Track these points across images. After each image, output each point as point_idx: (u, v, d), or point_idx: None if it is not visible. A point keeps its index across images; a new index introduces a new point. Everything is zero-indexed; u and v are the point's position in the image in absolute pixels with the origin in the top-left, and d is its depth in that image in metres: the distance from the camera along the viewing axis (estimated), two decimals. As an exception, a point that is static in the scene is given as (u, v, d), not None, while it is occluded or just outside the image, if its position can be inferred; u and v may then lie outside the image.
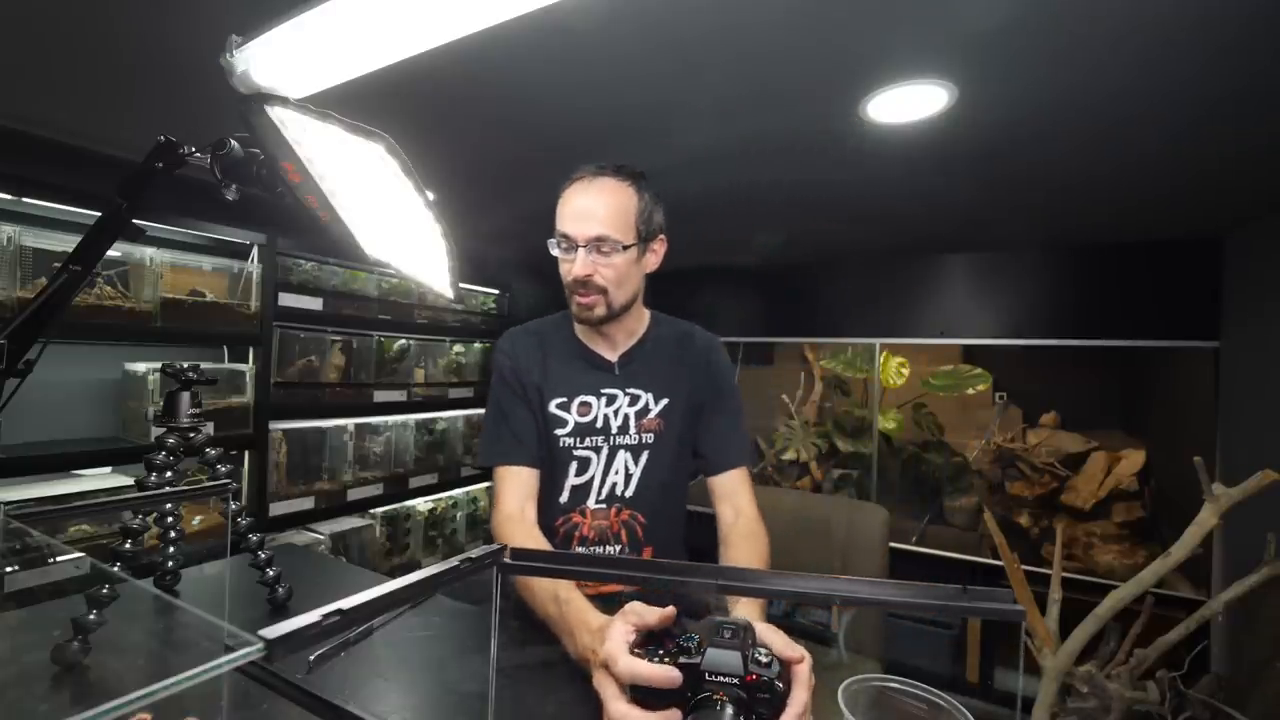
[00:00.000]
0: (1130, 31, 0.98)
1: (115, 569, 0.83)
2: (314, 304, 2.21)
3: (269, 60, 0.67)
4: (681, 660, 0.58)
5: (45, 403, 1.73)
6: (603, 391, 1.09)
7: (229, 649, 0.36)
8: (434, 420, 2.80)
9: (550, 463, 1.07)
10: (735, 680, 0.56)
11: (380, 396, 2.46)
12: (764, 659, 0.58)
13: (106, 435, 1.86)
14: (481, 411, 3.00)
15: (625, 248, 1.01)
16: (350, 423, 2.39)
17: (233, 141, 0.77)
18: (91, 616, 0.76)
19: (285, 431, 2.17)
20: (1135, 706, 1.25)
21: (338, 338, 2.33)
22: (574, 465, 1.06)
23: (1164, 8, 0.92)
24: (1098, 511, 2.42)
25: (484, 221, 2.39)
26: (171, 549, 0.99)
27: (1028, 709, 1.26)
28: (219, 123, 0.82)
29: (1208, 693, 1.32)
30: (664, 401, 1.09)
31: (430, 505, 2.79)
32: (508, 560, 0.56)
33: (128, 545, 0.86)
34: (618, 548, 1.06)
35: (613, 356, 1.12)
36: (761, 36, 1.05)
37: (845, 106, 1.28)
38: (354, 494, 2.37)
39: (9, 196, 1.56)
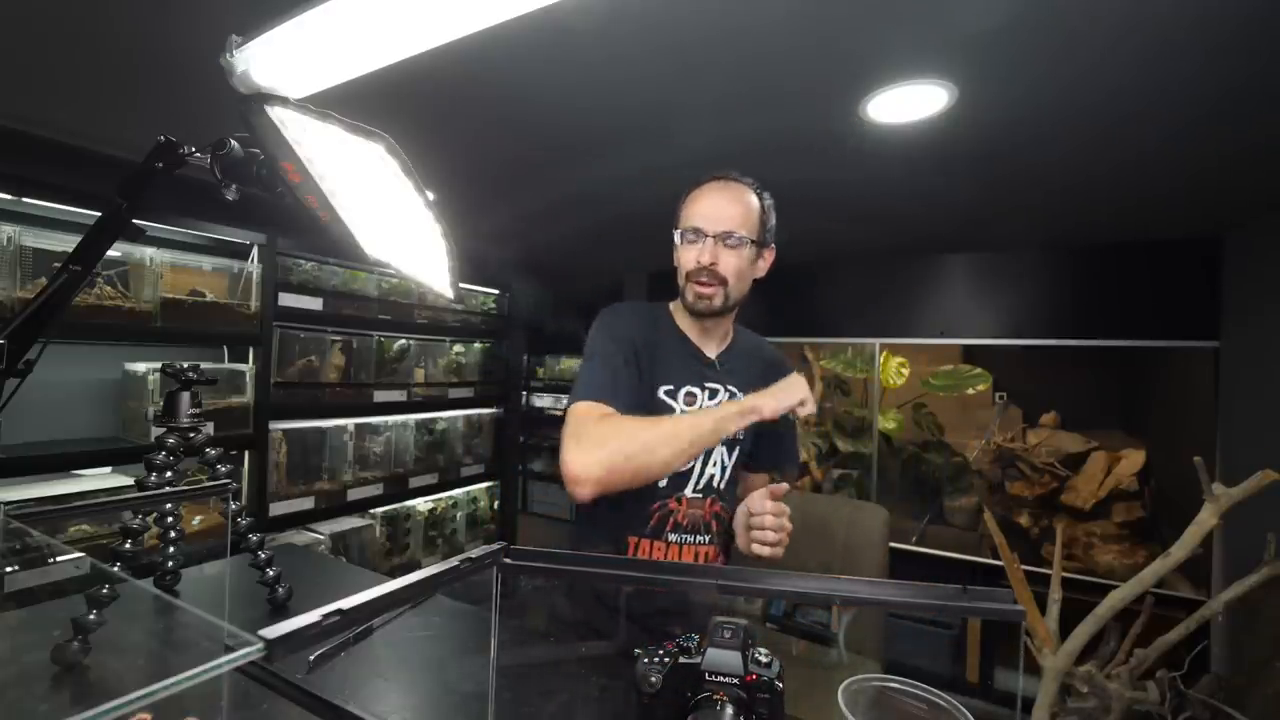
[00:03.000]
0: (1129, 31, 0.98)
1: (115, 569, 0.83)
2: (314, 304, 2.21)
3: (269, 60, 0.67)
4: (681, 660, 0.58)
5: (45, 403, 1.73)
6: (707, 385, 1.12)
7: (229, 649, 0.36)
8: (434, 420, 2.80)
9: None
10: (735, 680, 0.56)
11: (380, 396, 2.46)
12: (764, 659, 0.58)
13: (106, 435, 1.86)
14: (481, 411, 3.02)
15: (750, 243, 1.07)
16: (350, 423, 2.39)
17: (233, 141, 0.77)
18: (91, 616, 0.76)
19: (285, 431, 2.17)
20: (1135, 706, 1.25)
21: (338, 338, 2.33)
22: None
23: (1163, 7, 0.92)
24: (1098, 511, 2.42)
25: (484, 221, 2.39)
26: (171, 549, 0.99)
27: (1028, 709, 1.26)
28: (219, 123, 0.82)
29: (1208, 693, 1.32)
30: None
31: (430, 505, 2.79)
32: (508, 560, 0.56)
33: (128, 545, 0.86)
34: (707, 536, 1.11)
35: (712, 354, 1.16)
36: (761, 37, 1.05)
37: (845, 106, 1.28)
38: (354, 494, 2.37)
39: (9, 196, 1.56)
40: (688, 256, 1.08)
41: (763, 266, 1.14)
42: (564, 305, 4.71)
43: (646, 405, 1.08)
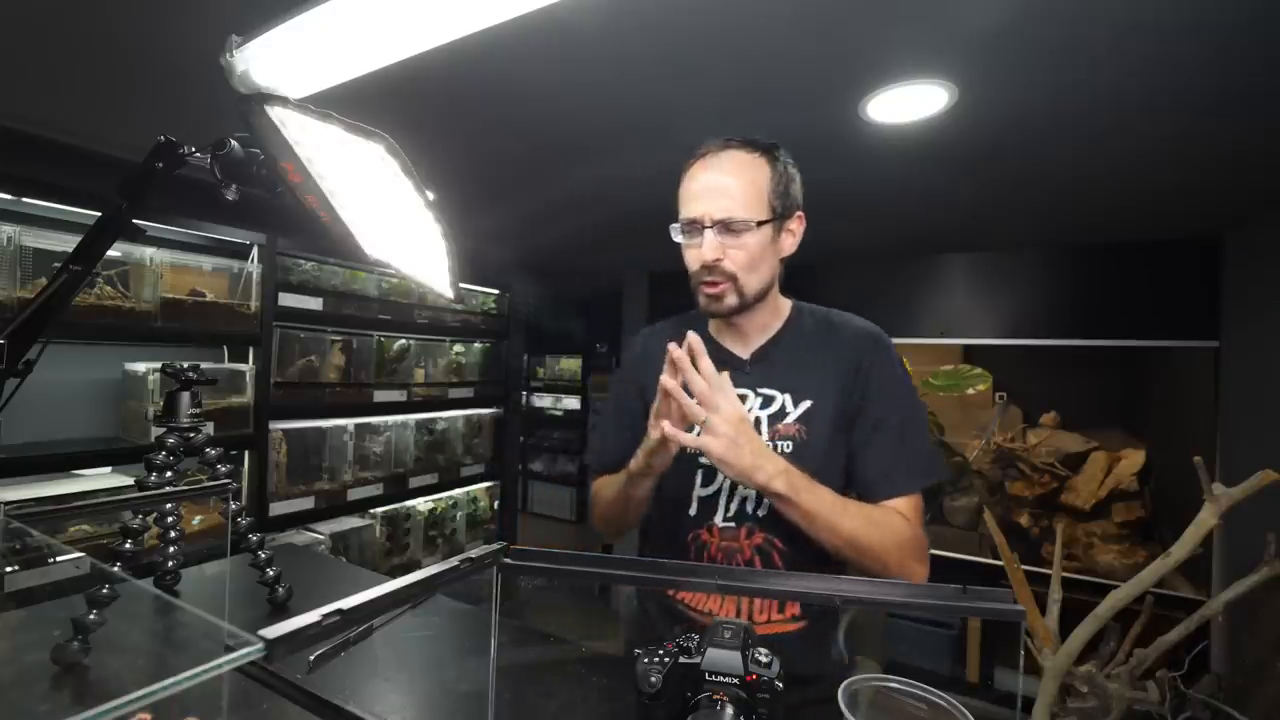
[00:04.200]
0: (1129, 30, 0.98)
1: (115, 569, 0.83)
2: (314, 304, 2.21)
3: (269, 60, 0.67)
4: (681, 660, 0.58)
5: (45, 403, 1.73)
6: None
7: (229, 649, 0.36)
8: (434, 420, 2.80)
9: (675, 470, 0.94)
10: (735, 680, 0.56)
11: (380, 396, 2.47)
12: (764, 659, 0.58)
13: (106, 435, 1.86)
14: (481, 411, 3.02)
15: (758, 225, 0.89)
16: (350, 423, 2.39)
17: (233, 141, 0.77)
18: (91, 616, 0.76)
19: (285, 431, 2.17)
20: (1135, 706, 1.25)
21: (338, 338, 2.33)
22: (700, 474, 0.96)
23: (1162, 7, 0.92)
24: (1098, 511, 2.42)
25: (484, 221, 2.39)
26: (171, 549, 0.99)
27: (1028, 709, 1.26)
28: (219, 123, 0.82)
29: (1208, 693, 1.32)
30: (805, 404, 0.93)
31: (430, 505, 2.79)
32: (508, 560, 0.56)
33: (128, 545, 0.86)
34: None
35: (745, 353, 0.99)
36: (761, 37, 1.05)
37: (845, 106, 1.28)
38: (354, 494, 2.37)
39: (9, 196, 1.56)
40: (689, 255, 0.93)
41: (789, 243, 0.96)
42: (564, 305, 4.71)
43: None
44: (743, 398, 0.94)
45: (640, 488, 0.92)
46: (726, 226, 0.89)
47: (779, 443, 0.92)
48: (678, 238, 0.95)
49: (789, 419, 0.93)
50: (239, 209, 0.96)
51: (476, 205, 2.17)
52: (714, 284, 0.91)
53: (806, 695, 0.68)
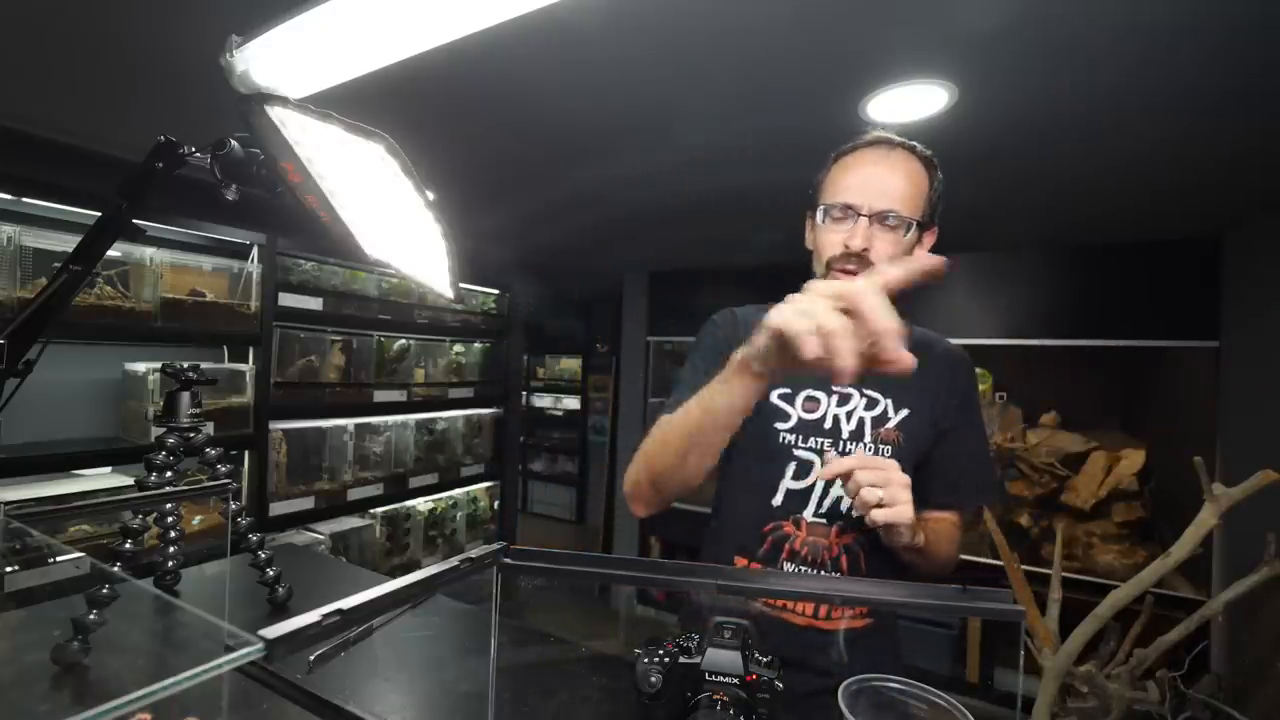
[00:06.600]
0: (1128, 31, 0.98)
1: (115, 569, 0.83)
2: (314, 304, 2.21)
3: (269, 60, 0.67)
4: (681, 660, 0.58)
5: (45, 403, 1.73)
6: (835, 389, 0.94)
7: (229, 649, 0.36)
8: (434, 420, 2.80)
9: (762, 457, 0.94)
10: (735, 680, 0.56)
11: (380, 396, 2.47)
12: (764, 659, 0.58)
13: (106, 435, 1.87)
14: (481, 411, 3.02)
15: (911, 226, 0.87)
16: (350, 423, 2.39)
17: (233, 141, 0.77)
18: (91, 616, 0.76)
19: (285, 431, 2.17)
20: (1135, 706, 1.25)
21: (338, 338, 2.33)
22: (793, 466, 0.93)
23: (1161, 9, 0.92)
24: (1098, 511, 2.42)
25: (484, 221, 2.39)
26: (171, 549, 0.99)
27: (1028, 709, 1.26)
28: (219, 123, 0.82)
29: (1208, 693, 1.32)
30: (904, 412, 0.92)
31: (430, 505, 2.79)
32: (508, 560, 0.56)
33: (128, 545, 0.86)
34: (835, 574, 0.89)
35: None
36: (761, 37, 1.05)
37: (845, 106, 1.28)
38: (354, 494, 2.38)
39: (9, 196, 1.56)
40: (831, 239, 0.89)
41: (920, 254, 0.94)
42: (564, 305, 4.71)
43: (758, 411, 0.83)
44: (847, 396, 0.93)
45: (722, 417, 0.73)
46: (883, 219, 0.86)
47: (880, 446, 0.91)
48: (820, 220, 0.92)
49: (890, 424, 0.92)
50: (239, 209, 0.96)
51: (476, 205, 2.17)
52: (856, 273, 0.86)
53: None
